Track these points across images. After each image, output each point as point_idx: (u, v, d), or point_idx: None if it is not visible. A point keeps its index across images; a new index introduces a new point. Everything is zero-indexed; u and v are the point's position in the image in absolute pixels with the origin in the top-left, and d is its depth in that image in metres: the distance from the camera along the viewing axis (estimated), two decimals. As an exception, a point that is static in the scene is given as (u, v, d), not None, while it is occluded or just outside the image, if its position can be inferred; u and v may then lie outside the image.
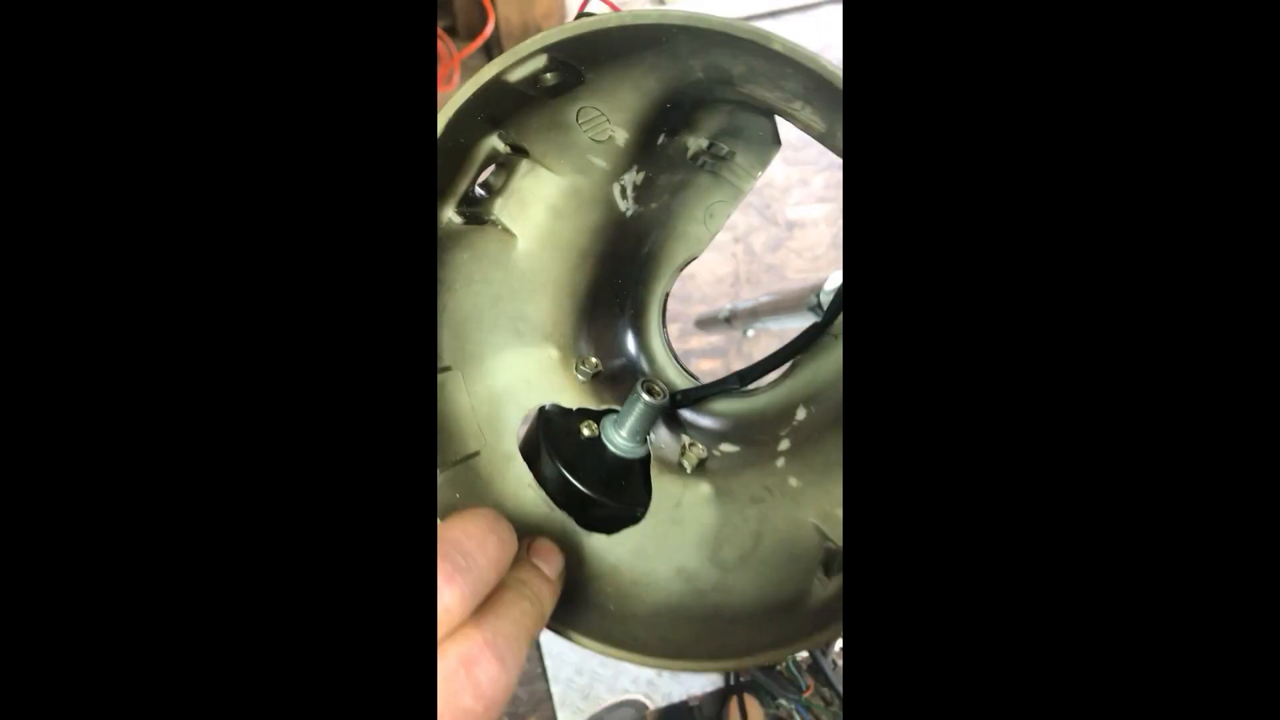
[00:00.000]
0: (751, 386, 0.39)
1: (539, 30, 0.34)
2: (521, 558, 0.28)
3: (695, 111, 0.35)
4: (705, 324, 1.06)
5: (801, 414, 0.36)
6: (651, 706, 1.22)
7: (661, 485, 0.35)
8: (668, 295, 0.41)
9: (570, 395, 0.36)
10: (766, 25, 0.26)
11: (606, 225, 0.36)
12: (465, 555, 0.24)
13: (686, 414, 0.39)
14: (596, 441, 0.35)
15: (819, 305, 0.60)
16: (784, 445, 0.35)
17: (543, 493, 0.34)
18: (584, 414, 0.36)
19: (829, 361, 0.37)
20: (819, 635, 0.27)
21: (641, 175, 0.35)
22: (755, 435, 0.37)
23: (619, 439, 0.34)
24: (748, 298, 1.15)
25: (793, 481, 0.34)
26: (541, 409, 0.35)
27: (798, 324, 0.69)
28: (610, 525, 0.34)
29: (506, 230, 0.35)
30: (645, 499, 0.34)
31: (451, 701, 0.22)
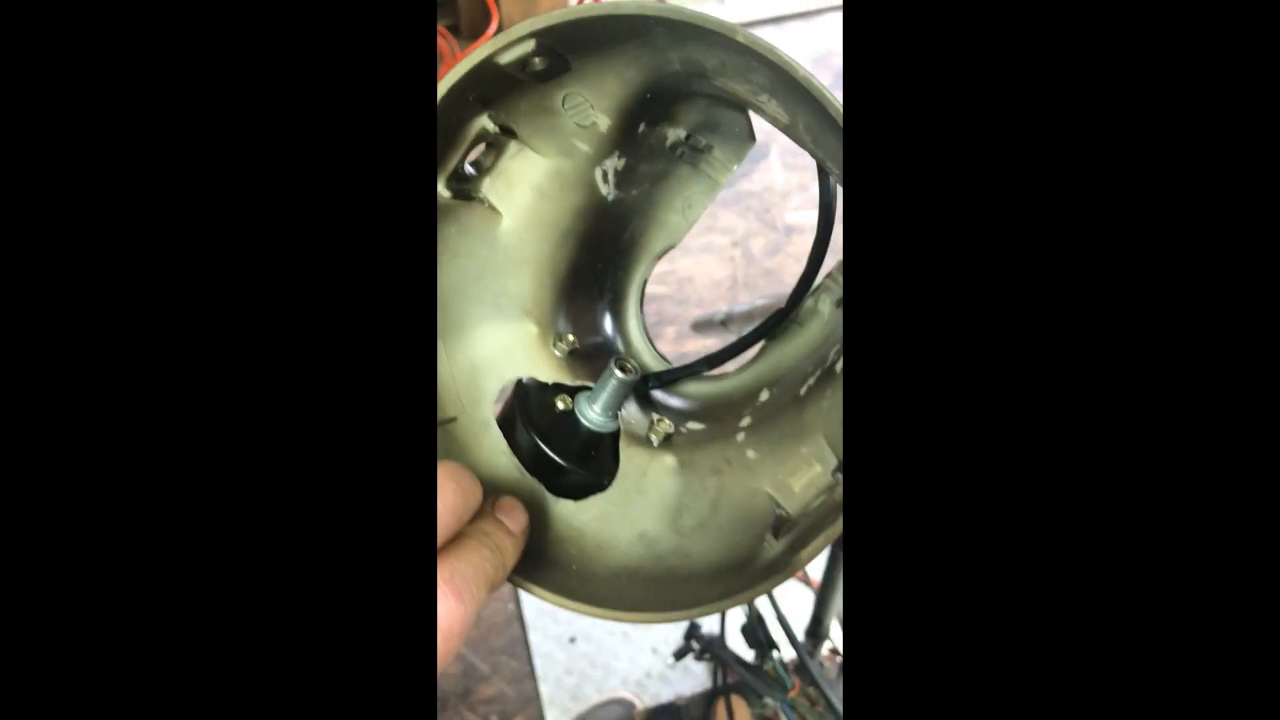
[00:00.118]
0: (719, 371, 0.41)
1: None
2: (486, 511, 0.30)
3: (674, 104, 0.37)
4: (701, 327, 1.08)
5: (765, 395, 0.38)
6: (639, 705, 1.23)
7: (629, 456, 0.36)
8: (646, 281, 0.42)
9: (547, 370, 0.38)
10: (769, 31, 0.28)
11: (589, 208, 0.38)
12: None
13: (658, 395, 0.41)
14: (570, 415, 0.37)
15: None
16: (745, 421, 0.37)
17: (515, 460, 0.36)
18: (559, 388, 0.37)
19: (792, 347, 0.39)
20: (761, 586, 0.29)
21: (623, 162, 0.37)
22: (721, 415, 0.39)
23: (591, 413, 0.36)
24: (744, 301, 1.16)
25: (750, 454, 0.35)
26: (519, 382, 0.37)
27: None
28: (578, 492, 0.36)
29: (493, 208, 0.37)
30: (613, 469, 0.36)
31: None
